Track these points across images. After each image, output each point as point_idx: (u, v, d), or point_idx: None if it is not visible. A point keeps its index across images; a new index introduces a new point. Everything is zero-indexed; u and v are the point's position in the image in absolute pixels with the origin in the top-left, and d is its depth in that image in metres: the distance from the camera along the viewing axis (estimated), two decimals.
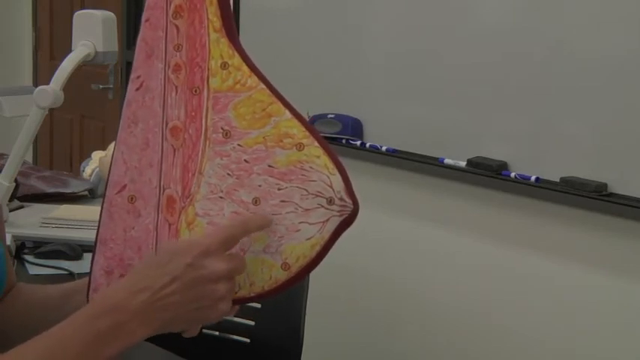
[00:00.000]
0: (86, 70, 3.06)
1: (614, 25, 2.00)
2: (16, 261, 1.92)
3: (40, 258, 1.95)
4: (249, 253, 0.94)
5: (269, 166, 0.94)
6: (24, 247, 1.99)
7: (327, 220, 0.93)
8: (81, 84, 3.63)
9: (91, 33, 2.02)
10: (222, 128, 0.95)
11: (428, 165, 2.40)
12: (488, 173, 2.25)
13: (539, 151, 2.16)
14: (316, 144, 0.93)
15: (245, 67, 0.95)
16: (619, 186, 2.01)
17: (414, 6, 2.41)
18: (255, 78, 0.95)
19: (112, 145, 2.15)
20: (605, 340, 2.09)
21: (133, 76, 0.98)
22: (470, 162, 2.29)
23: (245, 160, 0.94)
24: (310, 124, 0.95)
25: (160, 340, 0.94)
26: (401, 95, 2.49)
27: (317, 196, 0.93)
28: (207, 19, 0.96)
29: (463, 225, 2.39)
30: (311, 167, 0.93)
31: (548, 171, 2.13)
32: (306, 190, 0.93)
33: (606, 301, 2.09)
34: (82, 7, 3.19)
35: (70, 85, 2.00)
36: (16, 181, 2.04)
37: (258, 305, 1.94)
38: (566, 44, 2.09)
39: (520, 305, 2.26)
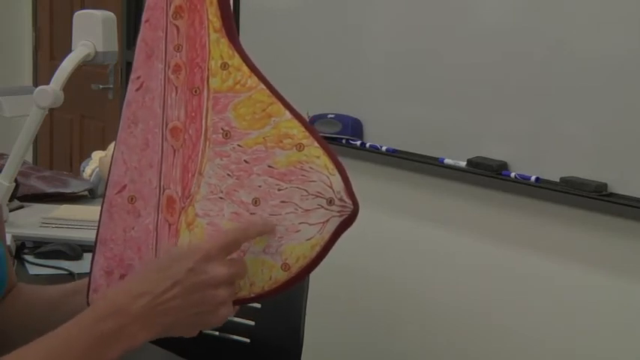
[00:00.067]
0: (86, 70, 3.06)
1: (614, 25, 2.00)
2: (16, 261, 1.92)
3: (40, 258, 1.95)
4: (249, 253, 0.94)
5: (269, 166, 0.94)
6: (24, 247, 1.99)
7: (327, 220, 0.93)
8: (81, 84, 3.63)
9: (91, 33, 2.02)
10: (222, 129, 0.95)
11: (428, 165, 2.40)
12: (488, 173, 2.25)
13: (539, 151, 2.16)
14: (316, 144, 0.93)
15: (245, 68, 0.95)
16: (619, 186, 2.01)
17: (414, 6, 2.41)
18: (255, 78, 0.95)
19: (112, 145, 2.15)
20: (605, 340, 2.09)
21: (133, 76, 0.98)
22: (470, 162, 2.29)
23: (245, 161, 0.94)
24: (310, 125, 0.95)
25: (160, 340, 0.94)
26: (401, 95, 2.49)
27: (317, 196, 0.93)
28: (208, 19, 0.95)
29: (463, 225, 2.39)
30: (311, 168, 0.93)
31: (548, 171, 2.13)
32: (306, 191, 0.93)
33: (606, 301, 2.09)
34: (82, 7, 3.18)
35: (70, 85, 2.00)
36: (16, 181, 2.04)
37: (258, 305, 1.94)
38: (566, 44, 2.09)
39: (520, 305, 2.26)
